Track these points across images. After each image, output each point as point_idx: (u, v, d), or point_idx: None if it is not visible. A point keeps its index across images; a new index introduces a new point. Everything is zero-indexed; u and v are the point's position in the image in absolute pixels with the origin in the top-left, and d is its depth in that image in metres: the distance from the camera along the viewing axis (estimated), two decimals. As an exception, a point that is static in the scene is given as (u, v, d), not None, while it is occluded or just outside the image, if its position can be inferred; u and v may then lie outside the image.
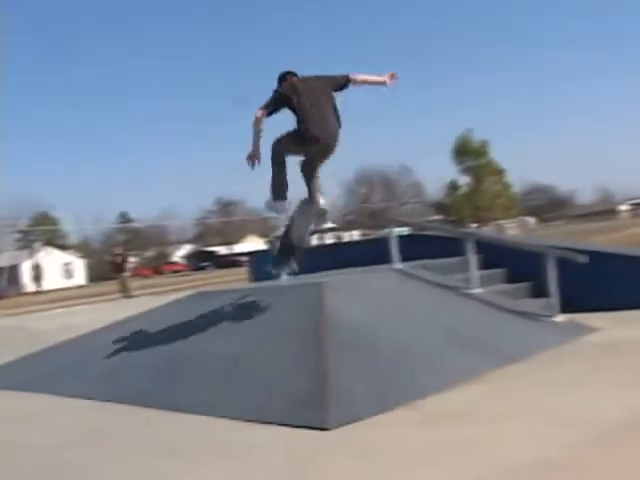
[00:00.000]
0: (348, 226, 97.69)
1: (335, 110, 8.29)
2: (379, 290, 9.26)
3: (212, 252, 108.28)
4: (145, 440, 6.12)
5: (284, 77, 8.53)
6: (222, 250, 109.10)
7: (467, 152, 71.94)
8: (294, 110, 8.16)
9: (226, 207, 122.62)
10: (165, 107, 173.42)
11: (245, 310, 8.85)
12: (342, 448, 5.28)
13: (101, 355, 9.15)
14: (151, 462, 5.44)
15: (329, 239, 61.93)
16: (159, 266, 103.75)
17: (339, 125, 8.26)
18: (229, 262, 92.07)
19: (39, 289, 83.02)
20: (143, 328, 9.42)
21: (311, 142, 8.10)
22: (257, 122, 8.12)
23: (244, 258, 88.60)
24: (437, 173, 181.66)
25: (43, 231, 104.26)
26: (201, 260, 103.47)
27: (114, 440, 6.24)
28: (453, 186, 76.37)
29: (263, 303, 8.90)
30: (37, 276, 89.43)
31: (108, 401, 7.62)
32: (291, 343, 7.47)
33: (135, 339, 9.19)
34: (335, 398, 6.16)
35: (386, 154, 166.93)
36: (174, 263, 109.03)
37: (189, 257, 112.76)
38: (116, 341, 9.33)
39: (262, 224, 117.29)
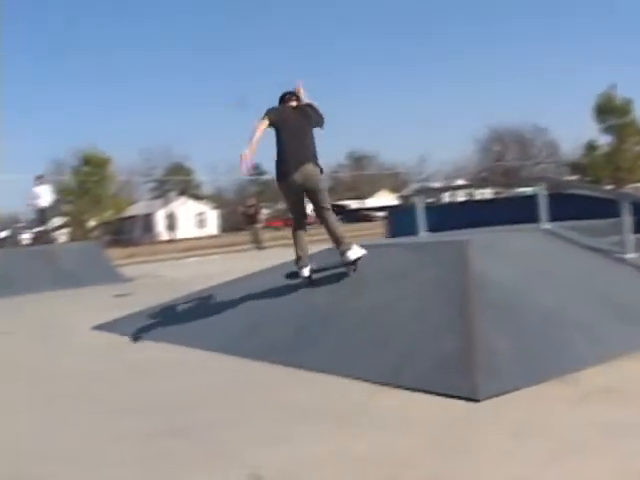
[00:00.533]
0: (481, 184, 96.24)
1: (313, 146, 8.69)
2: (526, 250, 8.72)
3: (343, 206, 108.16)
4: (277, 400, 5.85)
5: (283, 98, 8.98)
6: (353, 204, 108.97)
7: (609, 110, 69.42)
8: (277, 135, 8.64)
9: (358, 161, 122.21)
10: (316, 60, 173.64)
11: (384, 266, 8.47)
12: (491, 424, 4.82)
13: (234, 308, 9.00)
14: (284, 425, 5.14)
15: (461, 197, 61.00)
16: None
17: (312, 160, 8.58)
18: (360, 216, 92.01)
19: (173, 238, 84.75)
20: (278, 282, 9.16)
21: (281, 180, 8.69)
22: (255, 136, 8.35)
23: (376, 213, 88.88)
24: (574, 133, 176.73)
25: (177, 181, 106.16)
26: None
27: (245, 398, 6.00)
28: (591, 146, 73.99)
29: (403, 259, 8.53)
30: (171, 225, 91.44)
31: (240, 356, 7.42)
32: (434, 302, 7.04)
33: (269, 293, 8.96)
34: (483, 365, 5.70)
35: (521, 113, 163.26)
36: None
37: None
38: (250, 294, 9.12)
39: (394, 179, 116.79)
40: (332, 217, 8.72)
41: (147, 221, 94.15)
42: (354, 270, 8.56)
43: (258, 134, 8.36)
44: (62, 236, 64.51)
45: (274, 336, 7.72)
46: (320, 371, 6.42)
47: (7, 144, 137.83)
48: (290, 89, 9.04)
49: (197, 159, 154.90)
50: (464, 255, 7.83)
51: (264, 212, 57.40)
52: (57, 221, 55.65)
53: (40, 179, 24.39)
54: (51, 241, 25.04)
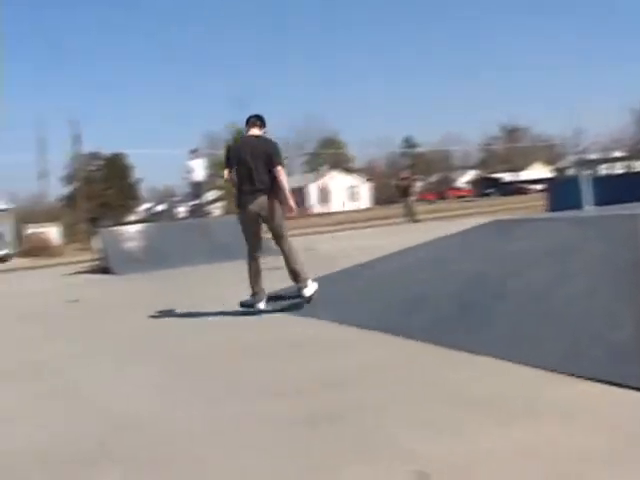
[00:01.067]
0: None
1: (268, 179, 9.06)
2: None
3: (496, 179, 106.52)
4: (439, 384, 5.40)
5: (247, 122, 9.55)
6: (506, 177, 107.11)
7: None
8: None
9: (511, 133, 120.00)
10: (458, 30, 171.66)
11: (550, 242, 7.95)
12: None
13: (392, 283, 8.69)
14: (448, 413, 4.68)
15: (618, 169, 58.94)
16: (443, 191, 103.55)
17: (266, 193, 9.04)
18: (514, 189, 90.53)
19: (325, 211, 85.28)
20: (438, 256, 8.81)
21: (239, 210, 9.28)
22: (230, 181, 9.50)
23: (530, 185, 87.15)
24: None
25: (329, 154, 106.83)
26: (485, 186, 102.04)
27: (402, 381, 5.57)
28: None
29: (570, 234, 7.99)
30: (323, 198, 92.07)
31: (397, 335, 7.01)
32: (607, 281, 6.45)
33: (428, 268, 8.59)
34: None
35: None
36: (458, 189, 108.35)
37: (473, 183, 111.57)
38: (409, 269, 8.79)
39: (548, 151, 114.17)
40: (290, 249, 9.20)
41: (300, 194, 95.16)
42: (307, 302, 9.04)
43: (235, 184, 9.36)
44: (217, 209, 65.84)
45: (434, 315, 7.30)
46: (484, 354, 5.94)
47: (166, 120, 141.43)
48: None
49: (349, 132, 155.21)
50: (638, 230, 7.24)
51: (418, 185, 56.93)
52: (212, 194, 56.67)
53: (194, 153, 24.64)
54: (206, 214, 25.36)
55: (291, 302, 9.30)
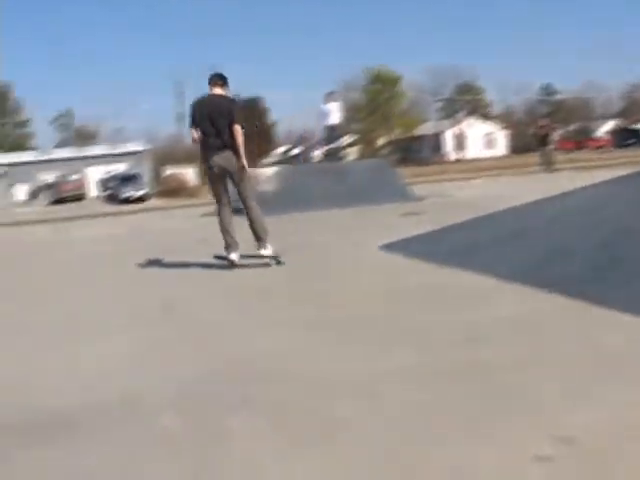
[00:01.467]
0: None
1: (230, 136, 9.29)
2: None
3: (637, 130, 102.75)
4: (577, 341, 5.09)
5: (210, 80, 9.70)
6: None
7: None
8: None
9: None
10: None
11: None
12: None
13: (530, 233, 8.37)
14: (593, 375, 4.35)
15: None
16: (582, 141, 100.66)
17: (230, 149, 9.32)
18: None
19: (461, 158, 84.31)
20: (580, 206, 8.45)
21: (205, 165, 9.70)
22: (197, 140, 9.58)
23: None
24: None
25: (466, 101, 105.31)
26: (624, 137, 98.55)
27: (540, 338, 5.27)
28: None
29: None
30: (459, 145, 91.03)
31: (534, 286, 6.66)
32: None
33: (571, 218, 8.26)
34: None
35: None
36: (597, 139, 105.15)
37: (612, 133, 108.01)
38: (549, 218, 8.47)
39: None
40: (256, 210, 9.54)
41: (435, 140, 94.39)
42: (277, 263, 9.46)
43: (199, 142, 9.56)
44: (352, 154, 65.85)
45: (577, 267, 6.91)
46: (631, 312, 5.50)
47: (297, 63, 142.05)
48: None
49: (486, 78, 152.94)
50: None
51: (556, 133, 55.46)
52: (347, 139, 56.64)
53: (330, 96, 24.49)
54: (341, 158, 25.28)
55: (261, 260, 9.61)
